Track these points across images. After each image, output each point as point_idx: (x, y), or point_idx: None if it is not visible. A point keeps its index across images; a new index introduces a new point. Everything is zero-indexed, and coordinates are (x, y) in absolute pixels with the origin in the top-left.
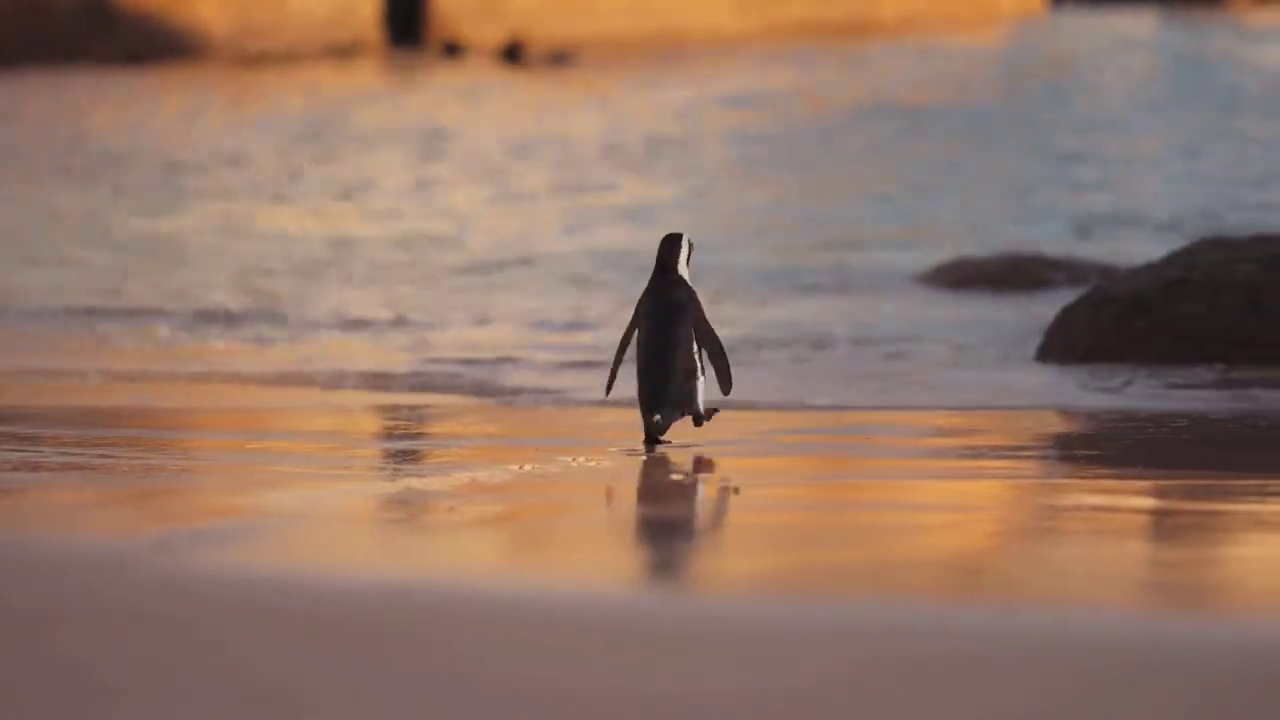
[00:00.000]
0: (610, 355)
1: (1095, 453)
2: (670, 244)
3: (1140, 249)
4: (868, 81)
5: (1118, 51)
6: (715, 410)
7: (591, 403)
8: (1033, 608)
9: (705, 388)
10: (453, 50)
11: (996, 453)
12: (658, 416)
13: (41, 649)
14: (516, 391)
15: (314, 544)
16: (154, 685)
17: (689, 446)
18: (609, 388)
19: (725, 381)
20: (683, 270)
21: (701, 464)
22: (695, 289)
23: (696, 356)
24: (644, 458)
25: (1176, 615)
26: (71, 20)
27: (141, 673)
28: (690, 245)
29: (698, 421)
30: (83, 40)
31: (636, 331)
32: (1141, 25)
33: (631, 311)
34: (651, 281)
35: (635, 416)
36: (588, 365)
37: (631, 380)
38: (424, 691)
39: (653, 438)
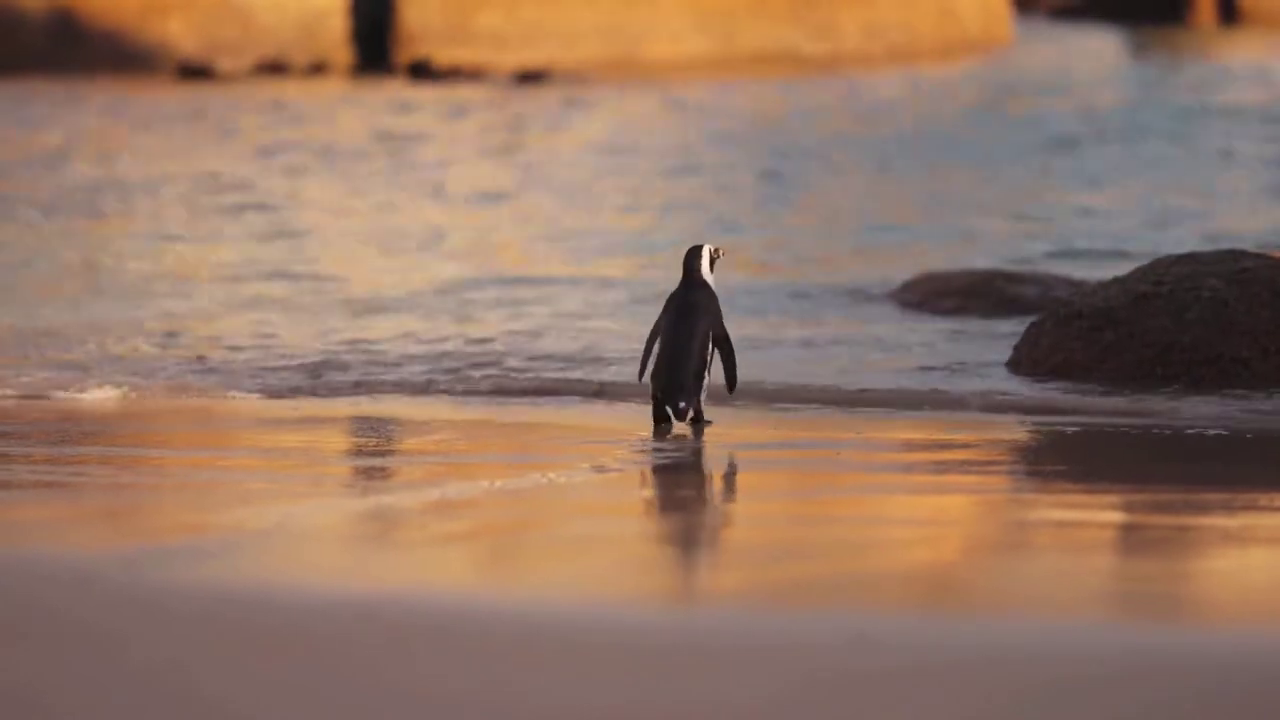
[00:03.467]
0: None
1: (1064, 467)
2: (694, 252)
3: (1106, 270)
4: (832, 108)
5: (1086, 78)
6: (708, 422)
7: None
8: (1000, 621)
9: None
10: (417, 71)
11: (966, 467)
12: (682, 404)
13: None
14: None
15: (284, 561)
16: (105, 703)
17: (662, 462)
18: (641, 373)
19: (731, 381)
20: (707, 276)
21: (673, 480)
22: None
23: (708, 356)
24: (614, 473)
25: (1145, 628)
26: (39, 34)
27: (94, 690)
28: (714, 254)
29: (698, 423)
30: (50, 54)
31: (661, 327)
32: (1108, 49)
33: (661, 309)
34: (680, 285)
35: (606, 431)
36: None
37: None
38: (393, 708)
39: (660, 419)
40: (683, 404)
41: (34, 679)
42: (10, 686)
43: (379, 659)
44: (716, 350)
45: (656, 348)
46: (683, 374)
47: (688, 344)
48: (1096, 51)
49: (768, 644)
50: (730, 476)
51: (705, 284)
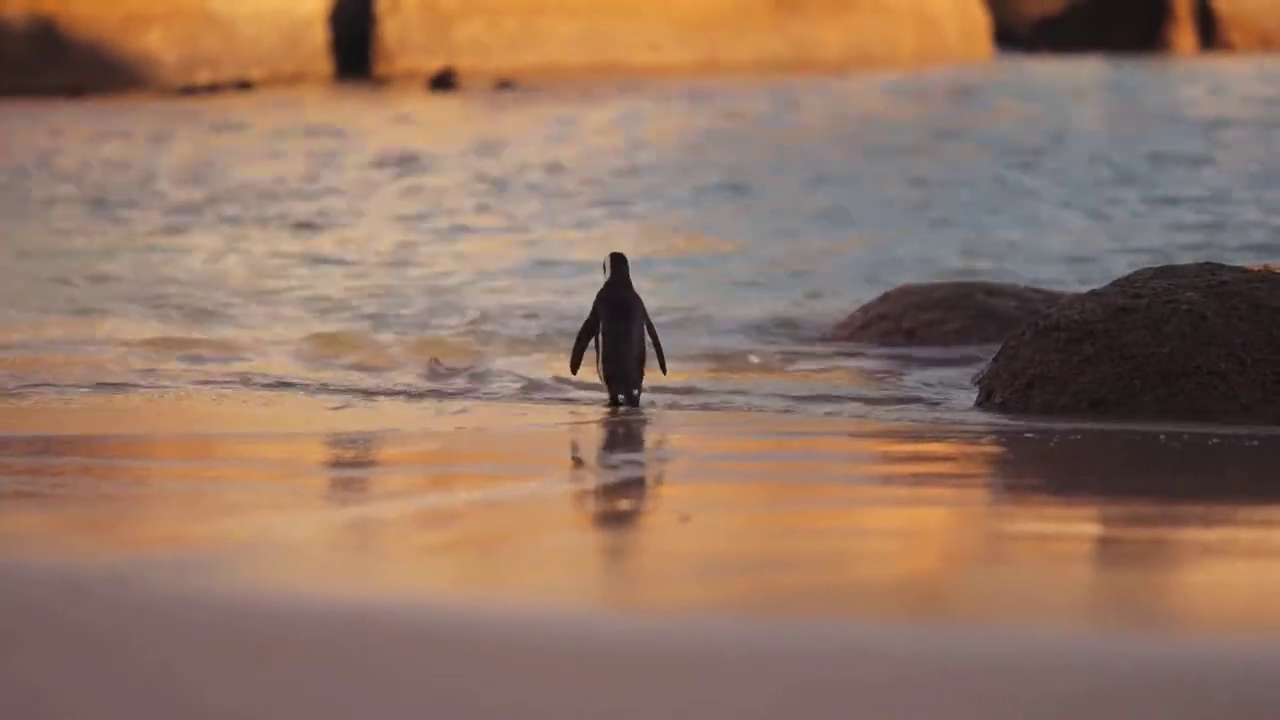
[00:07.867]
0: (573, 342)
1: (1040, 480)
2: (619, 258)
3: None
4: (804, 116)
5: (1062, 97)
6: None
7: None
8: (977, 632)
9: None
10: (386, 81)
11: (942, 479)
12: (635, 392)
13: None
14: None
15: (268, 571)
16: (100, 705)
17: (637, 474)
18: (574, 368)
19: (663, 365)
20: (629, 277)
21: (651, 491)
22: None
23: (644, 346)
24: (594, 485)
25: (1121, 640)
26: (19, 44)
27: (90, 692)
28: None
29: (637, 401)
30: (32, 69)
31: (601, 324)
32: (1089, 73)
33: (590, 308)
34: (606, 286)
35: (590, 440)
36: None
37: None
38: (377, 713)
39: (616, 404)
40: (636, 391)
41: (32, 681)
42: (9, 687)
43: (364, 665)
44: (651, 338)
45: (603, 345)
46: (630, 368)
47: (631, 343)
48: (1074, 73)
49: (754, 653)
50: (710, 488)
51: (629, 283)
